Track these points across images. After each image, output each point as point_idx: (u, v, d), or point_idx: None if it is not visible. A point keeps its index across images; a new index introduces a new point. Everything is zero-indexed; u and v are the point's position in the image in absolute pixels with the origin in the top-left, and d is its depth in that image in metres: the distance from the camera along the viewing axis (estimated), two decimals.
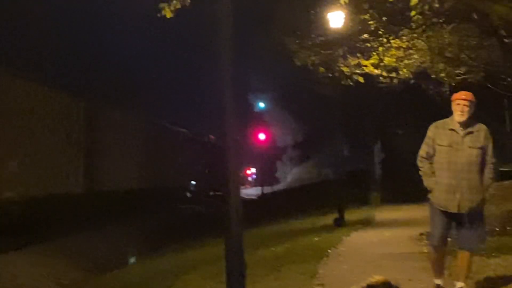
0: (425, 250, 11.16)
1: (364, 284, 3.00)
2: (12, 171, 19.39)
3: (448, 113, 6.97)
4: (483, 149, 6.73)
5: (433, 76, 13.25)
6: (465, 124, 6.79)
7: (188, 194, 42.91)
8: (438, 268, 7.09)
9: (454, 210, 6.72)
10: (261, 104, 47.42)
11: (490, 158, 6.76)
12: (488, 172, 6.74)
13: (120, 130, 28.48)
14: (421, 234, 13.15)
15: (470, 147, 6.73)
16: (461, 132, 6.78)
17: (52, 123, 22.13)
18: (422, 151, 6.99)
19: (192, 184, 46.72)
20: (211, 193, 44.87)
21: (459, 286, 6.80)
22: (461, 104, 6.79)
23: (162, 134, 35.36)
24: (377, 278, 3.04)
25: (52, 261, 15.07)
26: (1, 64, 19.19)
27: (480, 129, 6.83)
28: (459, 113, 6.78)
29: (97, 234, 19.58)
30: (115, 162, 27.83)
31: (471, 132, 6.78)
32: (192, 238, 19.16)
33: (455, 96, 6.91)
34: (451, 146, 6.76)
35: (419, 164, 7.02)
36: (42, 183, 20.76)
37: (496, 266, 8.22)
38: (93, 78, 29.97)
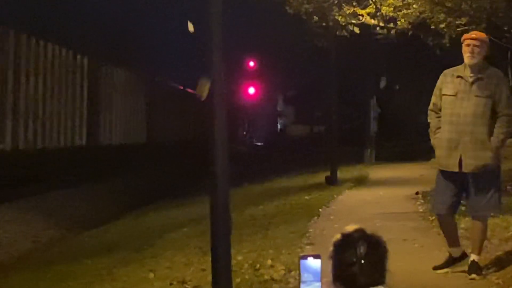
0: (421, 210, 11.27)
1: (339, 235, 3.13)
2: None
3: (448, 66, 6.66)
4: (492, 98, 6.21)
5: (432, 27, 13.16)
6: (475, 69, 6.28)
7: None
8: (450, 239, 6.55)
9: (455, 169, 6.22)
10: (251, 63, 47.25)
11: (503, 109, 6.23)
12: (500, 126, 6.22)
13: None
14: (417, 193, 13.24)
15: (476, 96, 6.21)
16: (470, 79, 6.26)
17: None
18: (430, 103, 6.52)
19: None
20: None
21: (471, 259, 6.32)
22: (471, 44, 6.25)
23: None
24: (351, 227, 3.18)
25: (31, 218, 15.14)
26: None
27: (491, 74, 6.33)
28: (469, 55, 6.24)
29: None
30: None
31: (480, 79, 6.27)
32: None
33: (465, 36, 6.43)
34: (456, 96, 6.27)
35: (428, 118, 6.57)
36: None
37: (494, 226, 8.25)
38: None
